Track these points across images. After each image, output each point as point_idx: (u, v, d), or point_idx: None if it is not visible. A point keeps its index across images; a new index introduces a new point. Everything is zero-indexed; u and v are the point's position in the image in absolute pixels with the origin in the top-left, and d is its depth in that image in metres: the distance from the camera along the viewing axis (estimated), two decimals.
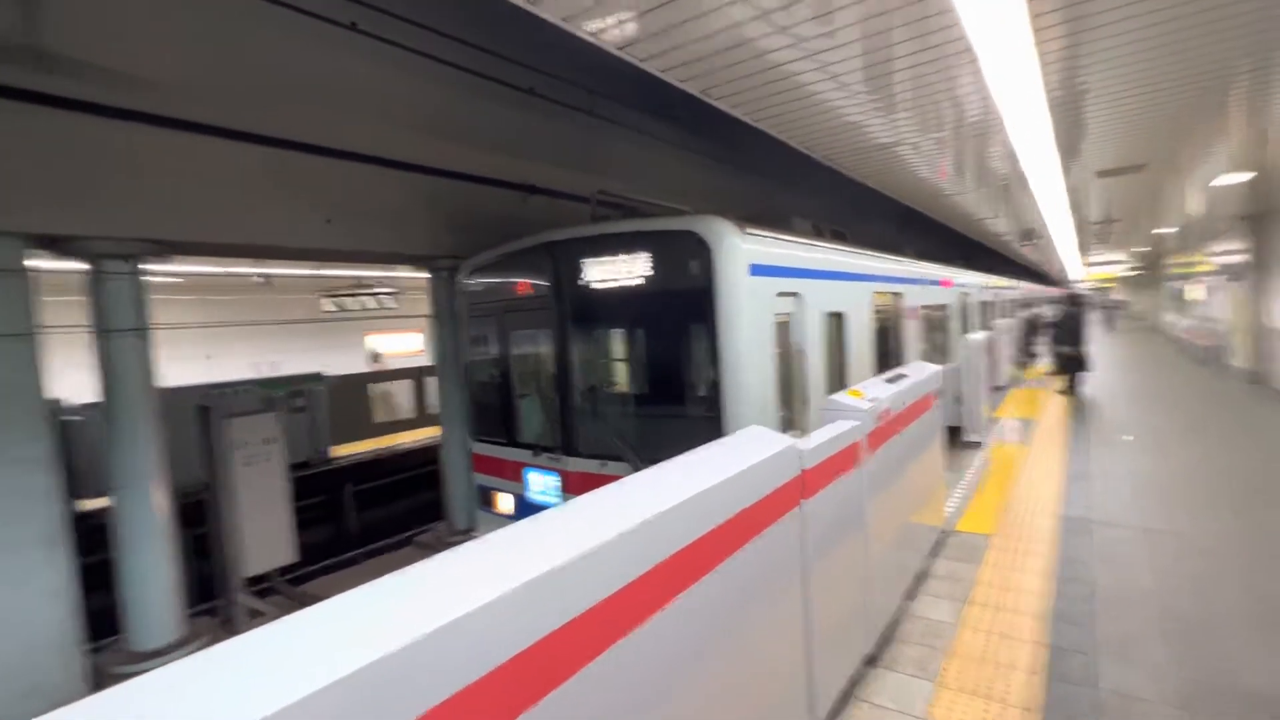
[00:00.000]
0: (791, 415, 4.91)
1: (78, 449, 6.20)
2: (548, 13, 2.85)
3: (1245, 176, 7.73)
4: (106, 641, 5.10)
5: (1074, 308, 12.41)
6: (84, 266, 4.53)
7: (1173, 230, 14.54)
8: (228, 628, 5.65)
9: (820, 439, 2.79)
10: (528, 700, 1.35)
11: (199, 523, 6.37)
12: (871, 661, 3.42)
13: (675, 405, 4.72)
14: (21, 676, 3.88)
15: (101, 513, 7.39)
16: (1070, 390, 11.81)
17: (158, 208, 4.52)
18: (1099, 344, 19.56)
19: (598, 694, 1.54)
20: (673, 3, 2.86)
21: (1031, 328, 18.19)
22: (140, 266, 4.68)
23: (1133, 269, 32.42)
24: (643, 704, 1.71)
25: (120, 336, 4.60)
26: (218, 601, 6.10)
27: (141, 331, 4.63)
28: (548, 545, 1.55)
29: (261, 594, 6.20)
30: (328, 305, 16.95)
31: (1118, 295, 43.35)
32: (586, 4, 2.81)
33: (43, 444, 4.08)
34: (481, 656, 1.26)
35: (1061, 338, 12.38)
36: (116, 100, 4.23)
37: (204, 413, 5.68)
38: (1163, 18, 3.46)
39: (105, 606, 4.95)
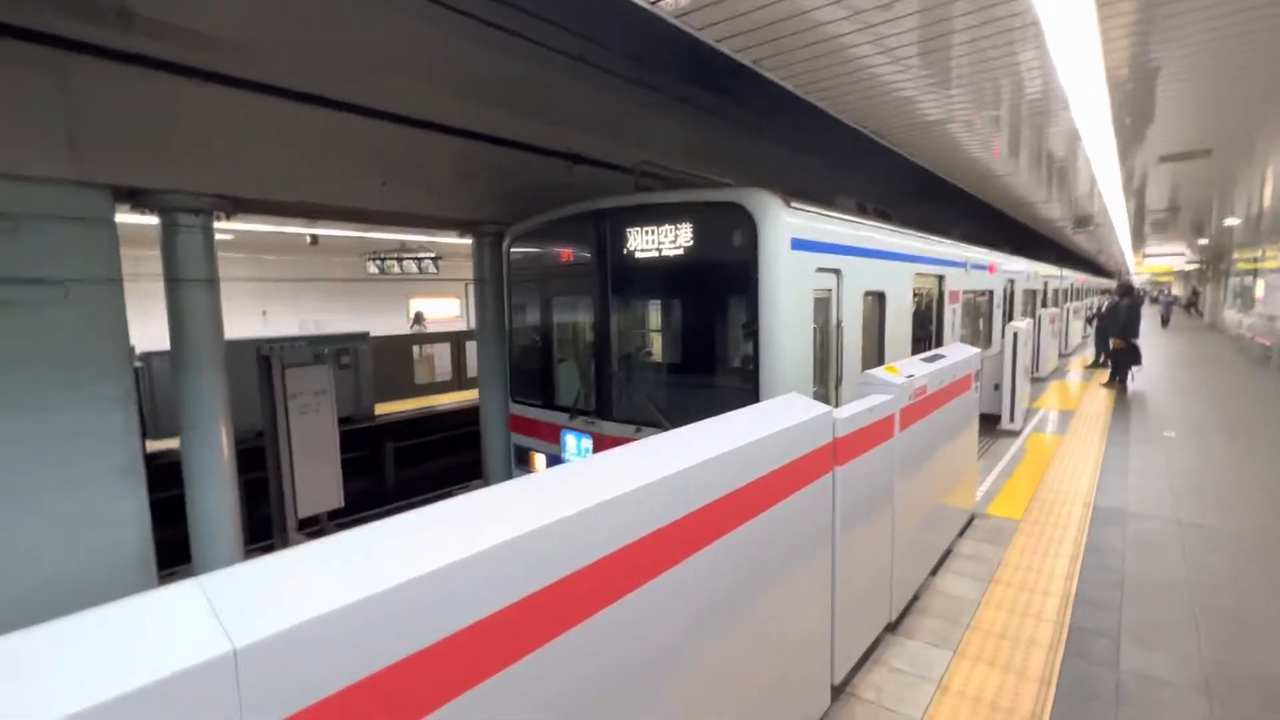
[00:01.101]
0: (826, 390, 4.97)
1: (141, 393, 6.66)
2: None
3: None
4: (175, 569, 5.55)
5: (1126, 298, 11.98)
6: (156, 220, 4.83)
7: (1239, 222, 13.81)
8: None
9: (855, 409, 2.87)
10: (562, 627, 1.45)
11: (250, 468, 6.78)
12: (893, 629, 3.53)
13: (711, 375, 4.82)
14: (108, 594, 4.27)
15: (159, 454, 7.94)
16: (1117, 383, 11.48)
17: (228, 165, 4.76)
18: (1152, 339, 18.84)
19: (611, 641, 1.61)
20: None
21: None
22: (210, 222, 4.95)
23: (1192, 262, 30.87)
24: (669, 648, 1.82)
25: (191, 286, 4.89)
26: (271, 540, 6.52)
27: (211, 282, 4.92)
28: (595, 483, 1.65)
29: (311, 536, 6.60)
30: (371, 268, 17.39)
31: (1177, 289, 41.36)
32: None
33: (124, 383, 4.41)
34: (516, 583, 1.34)
35: (1112, 329, 12.00)
36: (193, 60, 4.45)
37: (264, 363, 6.01)
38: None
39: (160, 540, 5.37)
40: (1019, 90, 5.03)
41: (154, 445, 8.00)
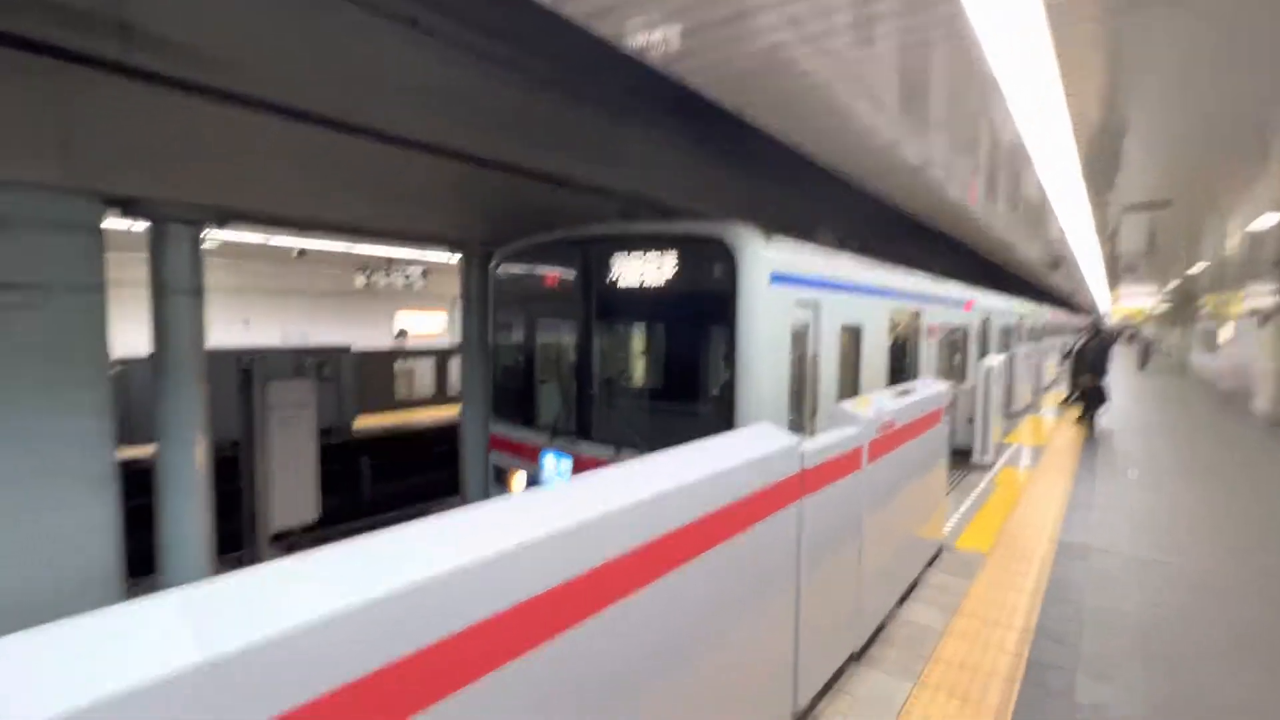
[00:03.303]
0: (801, 421, 5.08)
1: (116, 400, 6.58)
2: (600, 28, 3.06)
3: (1276, 219, 7.71)
4: (140, 579, 5.45)
5: (1095, 338, 12.34)
6: (145, 227, 4.85)
7: (1204, 269, 14.37)
8: None
9: (823, 442, 2.97)
10: (519, 650, 1.48)
11: (225, 479, 6.71)
12: (857, 658, 3.60)
13: (689, 402, 4.92)
14: (72, 603, 4.20)
15: (130, 462, 7.80)
16: (1086, 420, 11.77)
17: (219, 177, 4.82)
18: (1122, 378, 19.36)
19: (565, 669, 1.62)
20: (718, 25, 3.05)
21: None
22: (199, 231, 4.99)
23: (1164, 304, 31.86)
24: (627, 674, 1.85)
25: (176, 296, 4.91)
26: (242, 552, 6.43)
27: (196, 292, 4.94)
28: (555, 510, 1.70)
29: (284, 549, 6.52)
30: (358, 281, 17.40)
31: (1149, 330, 42.37)
32: (635, 20, 3.02)
33: (101, 391, 4.40)
34: (486, 601, 1.38)
35: (1081, 368, 12.33)
36: (190, 74, 4.52)
37: (245, 374, 6.00)
38: (1198, 59, 3.56)
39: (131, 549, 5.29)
40: (994, 139, 5.28)
41: (124, 452, 7.88)
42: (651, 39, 3.17)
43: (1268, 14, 2.99)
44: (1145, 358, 26.43)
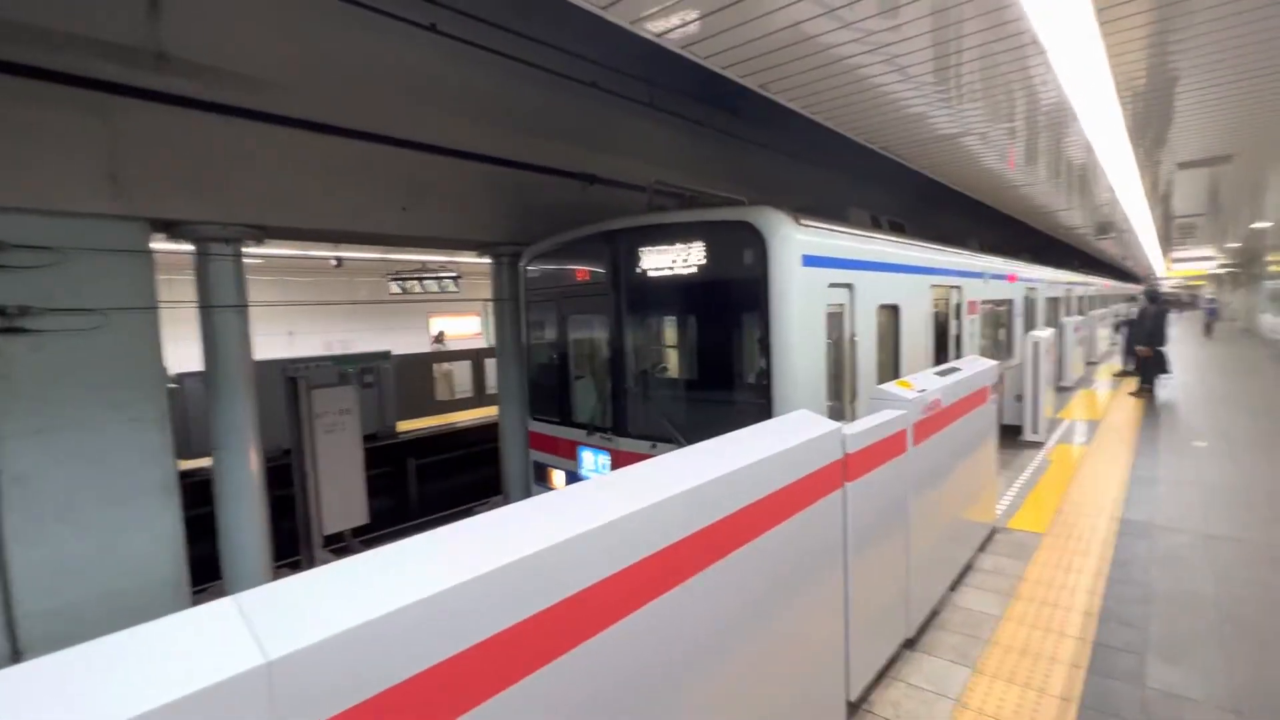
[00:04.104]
0: (841, 405, 4.98)
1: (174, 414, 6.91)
2: (616, 16, 3.03)
3: None
4: (206, 586, 5.71)
5: (1153, 305, 11.75)
6: (190, 248, 5.05)
7: (1272, 224, 13.48)
8: None
9: (864, 425, 2.90)
10: (575, 640, 1.50)
11: (275, 486, 6.98)
12: (910, 645, 3.52)
13: (725, 391, 4.87)
14: (142, 611, 4.43)
15: (189, 473, 8.17)
16: (1145, 392, 11.23)
17: (257, 195, 4.98)
18: (1186, 347, 18.40)
19: (640, 643, 1.67)
20: (735, 3, 2.98)
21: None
22: (240, 249, 5.16)
23: (1224, 266, 30.08)
24: (676, 667, 1.85)
25: (222, 312, 5.10)
26: (298, 557, 6.67)
27: (241, 308, 5.11)
28: (592, 507, 1.69)
29: (337, 552, 6.75)
30: (393, 288, 17.80)
31: (1208, 294, 40.03)
32: (653, 8, 2.97)
33: (159, 405, 4.60)
34: (533, 597, 1.40)
35: (1139, 337, 11.76)
36: (223, 97, 4.68)
37: (292, 383, 6.21)
38: (1249, 5, 3.33)
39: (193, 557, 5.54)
40: (1033, 102, 5.04)
41: (183, 464, 8.27)
42: (670, 23, 3.12)
43: None
44: (1211, 325, 24.86)
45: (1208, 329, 24.41)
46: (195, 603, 5.03)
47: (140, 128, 4.39)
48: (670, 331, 5.40)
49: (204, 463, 8.41)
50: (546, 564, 1.45)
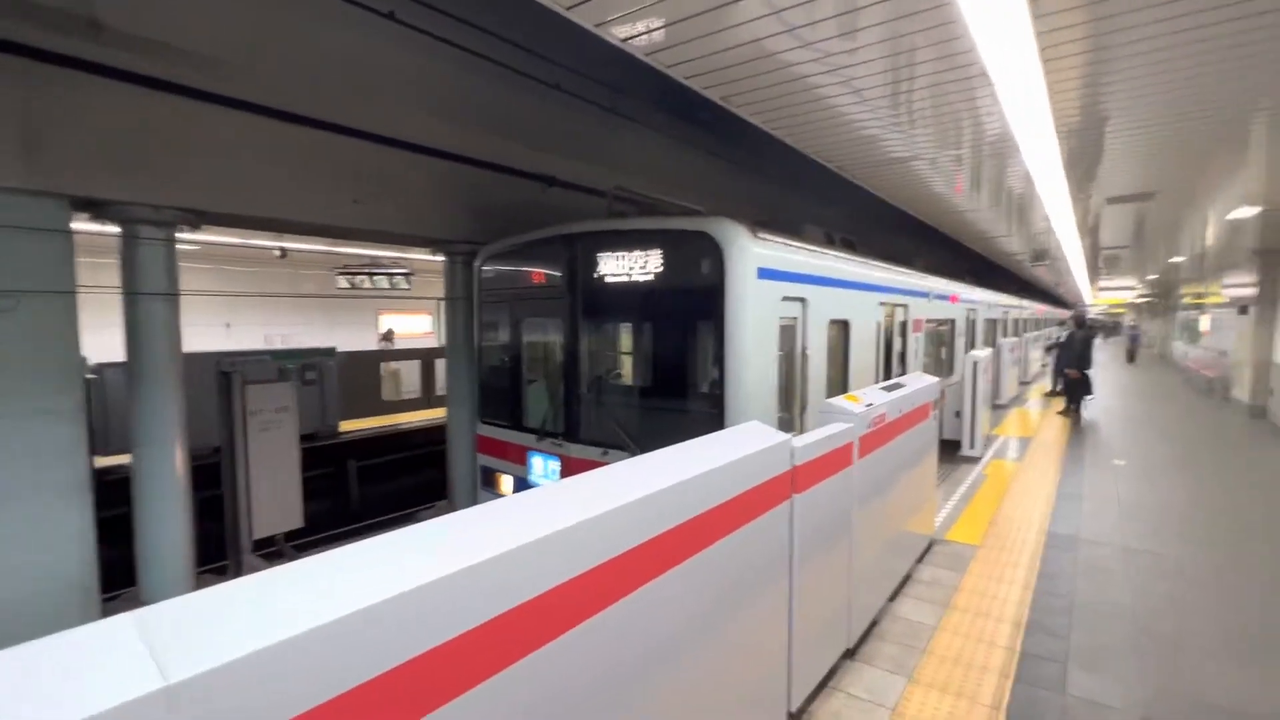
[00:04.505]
0: (791, 416, 5.06)
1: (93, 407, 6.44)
2: (581, 18, 3.00)
3: (1253, 211, 7.81)
4: (120, 592, 5.32)
5: (1080, 330, 12.47)
6: (117, 230, 4.72)
7: (1185, 259, 14.55)
8: None
9: (813, 438, 2.94)
10: (512, 657, 1.44)
11: (203, 486, 6.58)
12: (850, 655, 3.58)
13: (678, 400, 4.87)
14: (47, 617, 4.08)
15: (108, 470, 7.64)
16: (1071, 412, 11.89)
17: (197, 179, 4.70)
18: (1109, 372, 19.59)
19: (581, 656, 1.63)
20: (701, 15, 3.00)
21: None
22: (174, 234, 4.86)
23: (1143, 296, 32.30)
24: (619, 679, 1.81)
25: (150, 300, 4.78)
26: (225, 562, 6.30)
27: (171, 296, 4.81)
28: (543, 514, 1.64)
29: (267, 557, 6.40)
30: (341, 282, 17.18)
31: (1129, 321, 42.80)
32: (618, 12, 2.96)
33: (73, 397, 4.27)
34: (475, 609, 1.33)
35: (1068, 360, 12.46)
36: (165, 73, 4.41)
37: (225, 378, 5.87)
38: (1178, 53, 3.57)
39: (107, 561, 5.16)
40: (979, 132, 5.27)
41: (102, 461, 7.71)
42: (635, 29, 3.12)
43: (1238, 8, 2.99)
44: (1134, 351, 26.04)
45: (1131, 355, 25.68)
46: (107, 611, 4.69)
47: (63, 98, 4.08)
48: (625, 338, 5.38)
49: (123, 459, 7.90)
50: (491, 575, 1.39)
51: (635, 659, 1.86)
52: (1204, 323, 18.21)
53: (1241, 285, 13.17)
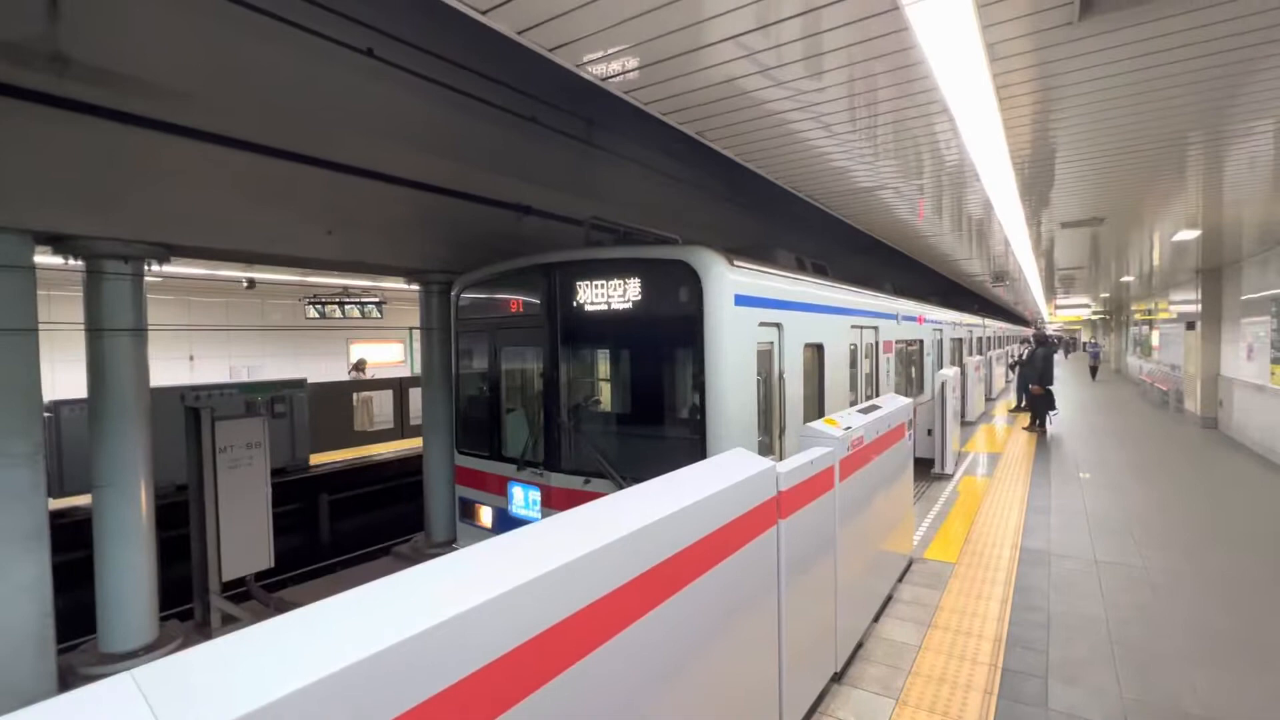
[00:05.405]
0: (770, 440, 5.12)
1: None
2: (562, 58, 3.08)
3: (1194, 234, 8.27)
4: (77, 642, 5.05)
5: (1042, 348, 12.92)
6: (81, 265, 4.60)
7: (1134, 279, 15.27)
8: (202, 632, 5.61)
9: (797, 463, 2.99)
10: (505, 704, 1.42)
11: (168, 525, 6.33)
12: (838, 678, 3.59)
13: (659, 426, 4.90)
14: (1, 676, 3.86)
15: (64, 513, 7.31)
16: (1036, 427, 12.26)
17: (165, 212, 4.63)
18: (1070, 389, 20.26)
19: (573, 702, 1.61)
20: (677, 57, 3.11)
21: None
22: (141, 268, 4.76)
23: (1097, 313, 33.68)
24: (621, 706, 1.81)
25: (115, 336, 4.65)
26: (191, 605, 6.04)
27: (138, 332, 4.69)
28: (531, 555, 1.63)
29: (235, 599, 6.16)
30: (311, 312, 16.87)
31: (1084, 336, 44.34)
32: (598, 52, 3.05)
33: (33, 439, 4.11)
34: (459, 661, 1.31)
35: (1030, 376, 12.88)
36: (129, 106, 4.35)
37: (192, 414, 5.70)
38: (1119, 95, 3.82)
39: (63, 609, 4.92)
40: (939, 162, 5.51)
41: (56, 504, 7.36)
42: (611, 69, 3.21)
43: (1176, 46, 3.24)
44: (1096, 367, 26.30)
45: (1093, 372, 26.05)
46: (61, 663, 4.44)
47: (26, 132, 4.00)
48: (605, 366, 5.40)
49: (78, 501, 7.55)
50: (485, 621, 1.38)
51: (630, 694, 1.86)
52: (1155, 338, 19.03)
53: (1187, 302, 13.85)
